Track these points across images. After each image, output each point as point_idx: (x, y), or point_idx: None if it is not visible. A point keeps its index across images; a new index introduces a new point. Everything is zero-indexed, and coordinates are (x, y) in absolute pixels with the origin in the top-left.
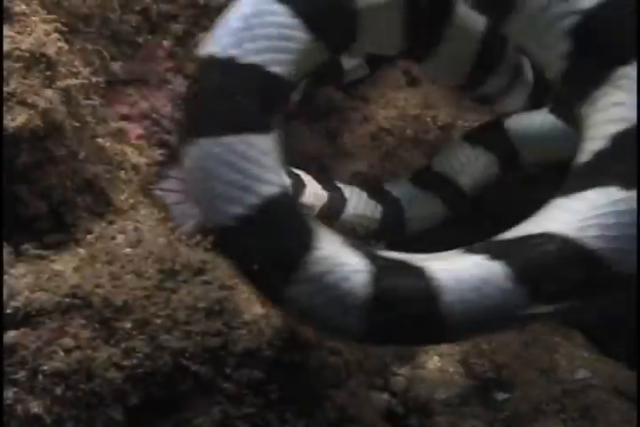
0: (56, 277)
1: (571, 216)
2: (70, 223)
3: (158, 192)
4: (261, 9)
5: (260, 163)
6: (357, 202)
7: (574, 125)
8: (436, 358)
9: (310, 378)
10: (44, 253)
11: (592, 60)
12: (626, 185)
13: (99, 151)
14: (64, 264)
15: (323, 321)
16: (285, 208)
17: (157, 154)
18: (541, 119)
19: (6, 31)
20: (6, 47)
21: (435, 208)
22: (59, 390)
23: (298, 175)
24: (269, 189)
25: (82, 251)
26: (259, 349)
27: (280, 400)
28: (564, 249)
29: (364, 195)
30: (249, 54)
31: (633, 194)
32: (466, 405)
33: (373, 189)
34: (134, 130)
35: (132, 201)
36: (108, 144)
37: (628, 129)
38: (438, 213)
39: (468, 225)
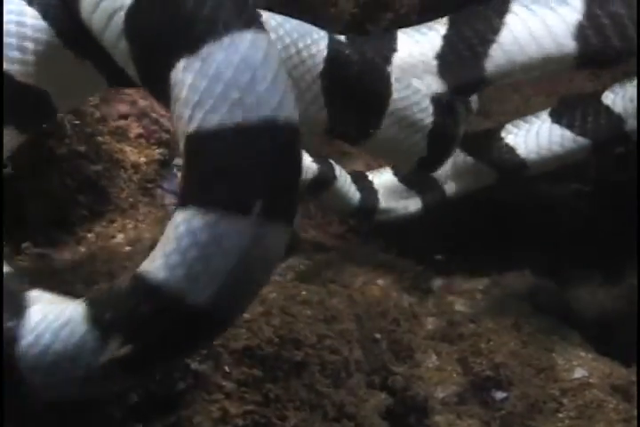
0: (56, 276)
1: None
2: (71, 222)
3: (158, 192)
4: (8, 8)
5: None
6: (343, 182)
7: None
8: (434, 357)
9: (309, 376)
10: (45, 251)
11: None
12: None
13: (99, 150)
14: (64, 262)
15: None
16: None
17: (156, 153)
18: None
19: None
20: None
21: (412, 205)
22: None
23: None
24: None
25: (82, 249)
26: (258, 347)
27: (279, 399)
28: (130, 283)
29: (349, 178)
30: None
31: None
32: (464, 403)
33: (356, 175)
34: (134, 129)
35: (131, 200)
36: (107, 143)
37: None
38: (414, 211)
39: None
